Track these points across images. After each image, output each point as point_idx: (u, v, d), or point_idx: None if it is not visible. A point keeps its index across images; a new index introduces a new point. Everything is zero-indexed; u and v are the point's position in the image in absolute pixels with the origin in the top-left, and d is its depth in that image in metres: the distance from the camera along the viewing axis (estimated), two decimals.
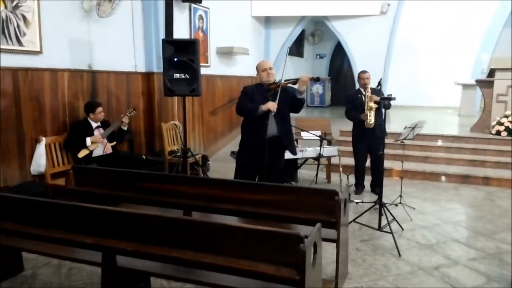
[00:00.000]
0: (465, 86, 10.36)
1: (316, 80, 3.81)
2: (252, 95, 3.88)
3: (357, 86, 5.52)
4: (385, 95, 4.96)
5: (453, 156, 6.65)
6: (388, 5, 9.39)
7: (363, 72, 5.31)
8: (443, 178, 6.17)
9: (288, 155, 5.15)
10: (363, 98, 5.17)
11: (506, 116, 6.79)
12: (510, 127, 6.69)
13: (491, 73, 7.20)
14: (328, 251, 3.39)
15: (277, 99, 3.73)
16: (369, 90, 5.10)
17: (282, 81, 3.84)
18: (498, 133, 6.80)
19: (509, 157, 6.35)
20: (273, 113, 3.74)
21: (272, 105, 3.72)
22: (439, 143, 7.00)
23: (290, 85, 3.91)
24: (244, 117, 4.01)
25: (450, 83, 11.18)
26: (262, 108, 3.76)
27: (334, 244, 2.92)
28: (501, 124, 6.79)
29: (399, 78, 10.53)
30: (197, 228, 2.25)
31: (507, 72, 7.00)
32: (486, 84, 7.29)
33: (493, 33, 11.28)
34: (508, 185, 5.78)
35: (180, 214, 3.24)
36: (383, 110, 4.37)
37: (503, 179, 5.86)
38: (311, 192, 3.02)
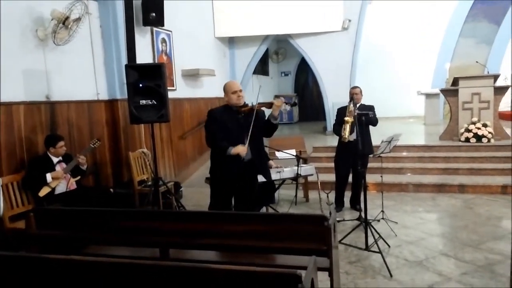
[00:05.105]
0: (428, 96, 10.63)
1: (293, 105, 3.58)
2: (221, 118, 3.65)
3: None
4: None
5: (426, 165, 6.68)
6: (349, 21, 9.54)
7: (353, 87, 5.23)
8: (419, 188, 6.15)
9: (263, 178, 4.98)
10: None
11: (474, 123, 6.93)
12: (478, 133, 6.82)
13: (455, 81, 7.35)
14: (318, 278, 3.19)
15: (252, 125, 3.51)
16: (352, 106, 4.79)
17: (256, 104, 3.59)
18: (467, 140, 6.91)
19: (480, 163, 6.45)
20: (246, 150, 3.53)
21: (242, 150, 3.53)
22: (404, 153, 7.01)
23: (263, 108, 3.70)
24: None
25: (412, 93, 11.47)
26: (232, 152, 3.56)
27: (325, 272, 2.73)
28: (469, 131, 6.91)
29: (364, 91, 10.65)
30: (178, 273, 1.98)
31: (470, 80, 7.17)
32: (451, 93, 7.44)
33: (450, 43, 11.72)
34: (484, 191, 5.82)
35: (156, 253, 2.97)
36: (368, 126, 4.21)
37: (478, 185, 5.90)
38: (298, 219, 2.82)
